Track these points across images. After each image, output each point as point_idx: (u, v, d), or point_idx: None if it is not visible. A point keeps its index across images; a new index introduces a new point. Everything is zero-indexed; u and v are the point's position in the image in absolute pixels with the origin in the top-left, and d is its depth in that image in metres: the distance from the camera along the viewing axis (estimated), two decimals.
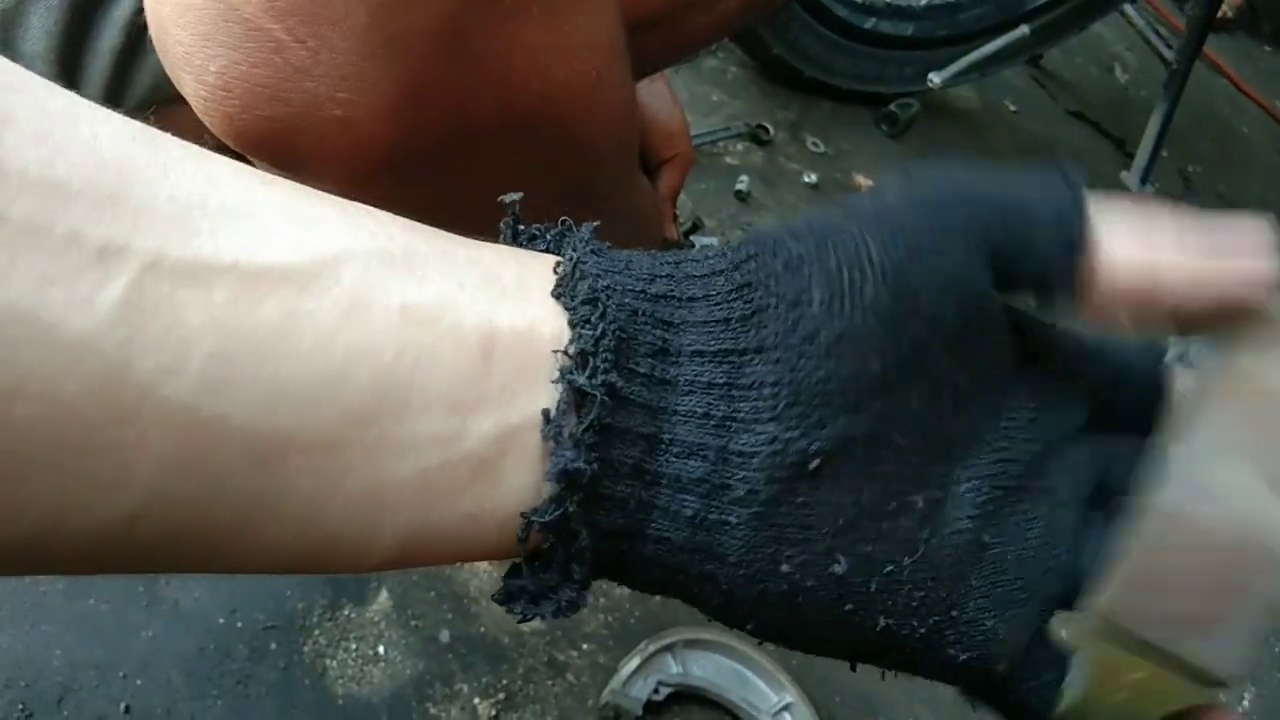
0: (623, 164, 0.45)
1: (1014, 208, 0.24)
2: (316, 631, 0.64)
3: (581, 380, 0.22)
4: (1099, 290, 0.24)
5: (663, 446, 0.23)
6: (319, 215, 0.21)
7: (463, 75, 0.29)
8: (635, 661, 0.70)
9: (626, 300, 0.23)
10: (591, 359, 0.22)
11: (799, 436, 0.23)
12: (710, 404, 0.23)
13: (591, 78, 0.35)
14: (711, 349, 0.23)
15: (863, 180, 1.28)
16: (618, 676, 0.69)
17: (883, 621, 0.24)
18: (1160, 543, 0.24)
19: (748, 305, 0.23)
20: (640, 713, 0.69)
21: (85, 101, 0.19)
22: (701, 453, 0.23)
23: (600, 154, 0.40)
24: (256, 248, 0.19)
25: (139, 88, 0.43)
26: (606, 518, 0.23)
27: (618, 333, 0.22)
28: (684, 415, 0.23)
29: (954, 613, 0.25)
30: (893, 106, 1.35)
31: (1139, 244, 0.24)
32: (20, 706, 0.55)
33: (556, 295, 0.23)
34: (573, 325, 0.22)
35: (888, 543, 0.24)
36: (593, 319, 0.22)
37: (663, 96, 0.72)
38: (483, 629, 0.68)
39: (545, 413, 0.22)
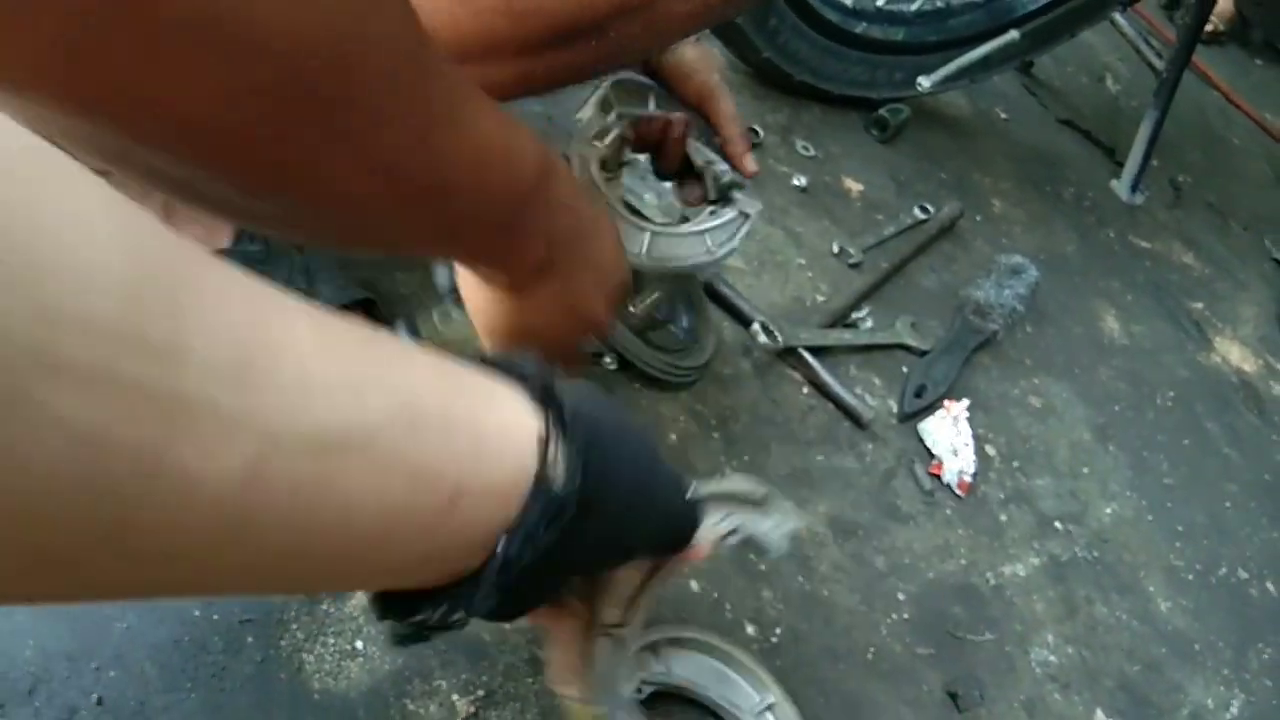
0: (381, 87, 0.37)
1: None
2: (294, 626, 0.63)
3: (514, 556, 0.32)
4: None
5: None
6: (370, 383, 0.28)
7: None
8: None
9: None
10: (531, 545, 0.32)
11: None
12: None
13: None
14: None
15: (852, 184, 1.29)
16: None
17: None
18: None
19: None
20: None
21: (226, 271, 0.25)
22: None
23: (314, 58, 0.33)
24: (325, 419, 0.26)
25: None
26: None
27: (557, 534, 0.33)
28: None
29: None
30: (883, 111, 1.35)
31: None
32: None
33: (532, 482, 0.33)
34: (523, 523, 0.32)
35: None
36: (539, 533, 0.32)
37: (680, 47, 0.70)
38: None
39: (491, 564, 0.33)
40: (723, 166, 0.75)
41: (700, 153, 0.76)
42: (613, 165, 0.72)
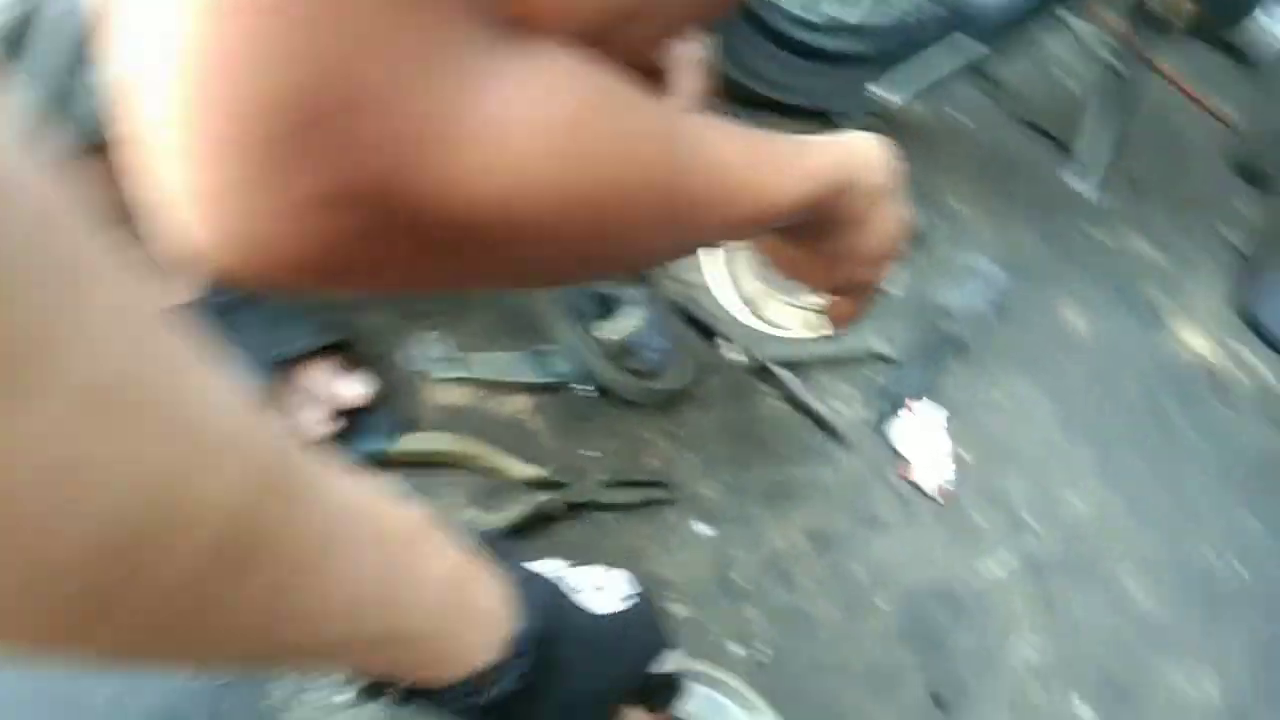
0: None
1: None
2: (271, 688, 0.63)
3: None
4: None
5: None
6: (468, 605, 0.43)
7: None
8: None
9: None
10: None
11: None
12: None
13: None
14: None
15: None
16: None
17: None
18: None
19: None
20: None
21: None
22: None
23: None
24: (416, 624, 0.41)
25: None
26: None
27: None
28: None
29: None
30: (844, 123, 1.36)
31: None
32: None
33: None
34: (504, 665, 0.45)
35: None
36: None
37: None
38: None
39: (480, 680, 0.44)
40: None
41: None
42: None
